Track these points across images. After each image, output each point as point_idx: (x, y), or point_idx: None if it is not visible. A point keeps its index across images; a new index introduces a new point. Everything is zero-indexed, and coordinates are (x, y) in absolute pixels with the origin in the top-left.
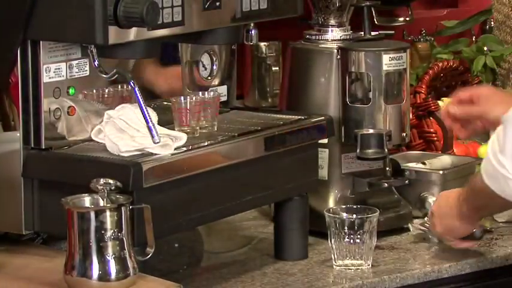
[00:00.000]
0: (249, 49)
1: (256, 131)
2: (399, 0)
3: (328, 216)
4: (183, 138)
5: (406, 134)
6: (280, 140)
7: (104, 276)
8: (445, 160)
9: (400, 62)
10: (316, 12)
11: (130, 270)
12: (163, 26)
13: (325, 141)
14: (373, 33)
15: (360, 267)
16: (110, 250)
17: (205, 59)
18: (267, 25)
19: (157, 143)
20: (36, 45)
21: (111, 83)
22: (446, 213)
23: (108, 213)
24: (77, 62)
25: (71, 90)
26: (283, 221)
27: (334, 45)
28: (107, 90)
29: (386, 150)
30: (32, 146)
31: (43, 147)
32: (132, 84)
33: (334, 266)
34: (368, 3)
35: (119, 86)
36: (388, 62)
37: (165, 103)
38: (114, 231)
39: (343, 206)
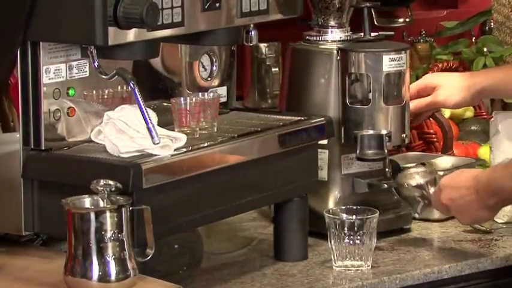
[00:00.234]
0: (249, 50)
1: (256, 132)
2: (399, 1)
3: (328, 217)
4: (182, 139)
5: (406, 135)
6: (280, 141)
7: (104, 277)
8: (445, 161)
9: (400, 63)
10: (316, 13)
11: (130, 271)
12: (163, 26)
13: (325, 142)
14: (373, 34)
15: (359, 268)
16: (110, 251)
17: (205, 59)
18: (267, 26)
19: (157, 144)
20: (36, 46)
21: (111, 83)
22: (463, 198)
23: (108, 214)
24: (76, 63)
25: (71, 91)
26: (283, 222)
27: (334, 46)
28: (106, 91)
29: (386, 151)
30: (32, 147)
31: (43, 148)
32: (132, 85)
33: (334, 267)
34: (368, 4)
35: (119, 87)
36: (388, 63)
37: (165, 104)
38: (114, 232)
39: (343, 207)
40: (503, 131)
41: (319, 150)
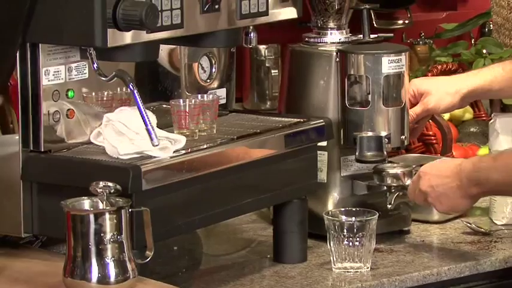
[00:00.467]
0: (248, 52)
1: (255, 133)
2: (398, 3)
3: (327, 219)
4: (182, 141)
5: (405, 137)
6: (279, 143)
7: (103, 279)
8: None
9: (399, 64)
10: (315, 15)
11: (130, 273)
12: (163, 28)
13: (324, 144)
14: (372, 36)
15: (359, 270)
16: (109, 253)
17: (205, 61)
18: (266, 28)
19: (157, 145)
20: (35, 48)
21: (111, 85)
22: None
23: (107, 216)
24: (76, 64)
25: (70, 93)
26: (283, 224)
27: (333, 48)
28: (106, 93)
29: (385, 153)
30: (31, 149)
31: (42, 150)
32: (131, 87)
33: (333, 269)
34: (367, 6)
35: (118, 89)
36: (387, 64)
37: (164, 106)
38: (113, 234)
39: (342, 209)
40: (502, 132)
41: (319, 152)
